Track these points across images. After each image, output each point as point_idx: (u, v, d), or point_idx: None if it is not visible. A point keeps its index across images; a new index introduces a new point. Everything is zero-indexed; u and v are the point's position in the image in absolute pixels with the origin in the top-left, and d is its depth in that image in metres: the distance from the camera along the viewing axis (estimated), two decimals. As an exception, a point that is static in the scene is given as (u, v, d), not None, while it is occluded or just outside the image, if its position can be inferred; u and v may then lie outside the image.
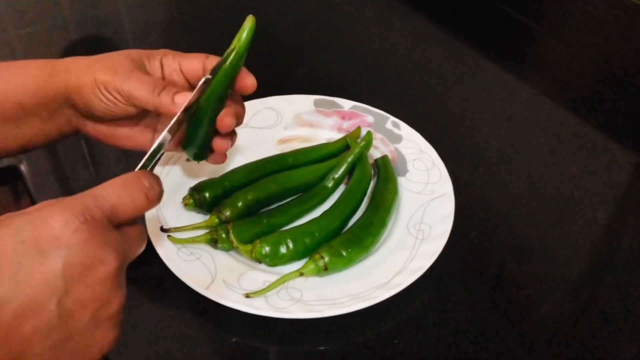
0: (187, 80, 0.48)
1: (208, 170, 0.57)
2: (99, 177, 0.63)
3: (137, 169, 0.36)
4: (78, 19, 0.86)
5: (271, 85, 0.74)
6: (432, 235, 0.52)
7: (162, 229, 0.51)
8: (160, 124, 0.50)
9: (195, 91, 0.44)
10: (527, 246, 0.55)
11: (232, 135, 0.49)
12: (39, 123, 0.46)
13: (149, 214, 0.52)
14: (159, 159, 0.41)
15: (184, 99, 0.43)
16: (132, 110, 0.45)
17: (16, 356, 0.28)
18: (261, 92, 0.66)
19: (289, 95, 0.66)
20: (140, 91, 0.43)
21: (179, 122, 0.42)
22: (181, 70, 0.47)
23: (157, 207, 0.52)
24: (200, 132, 0.47)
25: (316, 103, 0.66)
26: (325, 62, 0.80)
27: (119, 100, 0.44)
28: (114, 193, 0.32)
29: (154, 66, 0.47)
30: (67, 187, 0.62)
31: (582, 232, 0.57)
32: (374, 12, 0.91)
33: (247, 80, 0.47)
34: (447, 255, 0.51)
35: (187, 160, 0.49)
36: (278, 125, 0.64)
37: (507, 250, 0.55)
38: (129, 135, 0.49)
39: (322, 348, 0.47)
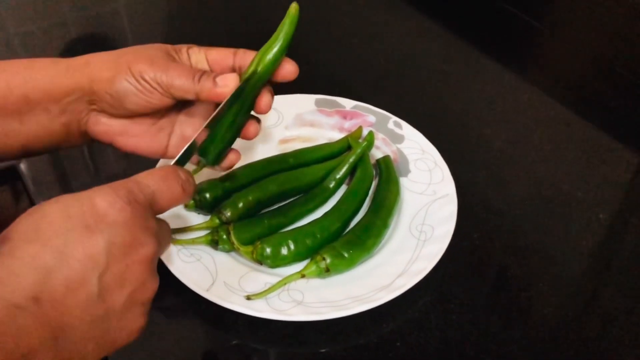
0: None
1: (208, 171, 0.57)
2: (99, 178, 0.62)
3: (172, 164, 0.38)
4: (77, 17, 0.86)
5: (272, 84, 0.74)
6: (434, 236, 0.52)
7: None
8: (178, 125, 0.48)
9: (223, 103, 0.44)
10: (530, 247, 0.55)
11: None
12: (45, 120, 0.44)
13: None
14: (190, 156, 0.43)
15: (225, 81, 0.43)
16: (168, 101, 0.44)
17: (57, 327, 0.28)
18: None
19: (290, 94, 0.66)
20: (180, 78, 0.43)
21: (213, 120, 0.43)
22: (207, 62, 0.47)
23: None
24: (224, 136, 0.46)
25: (317, 103, 0.65)
26: (327, 62, 0.80)
27: (157, 90, 0.43)
28: (154, 182, 0.34)
29: (182, 58, 0.46)
30: (66, 187, 0.61)
31: (585, 232, 0.57)
32: (375, 11, 0.91)
33: (288, 67, 0.48)
34: (449, 257, 0.50)
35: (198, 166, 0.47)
36: (279, 125, 0.64)
37: (509, 251, 0.54)
38: (142, 134, 0.47)
39: (323, 350, 0.46)
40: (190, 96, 0.44)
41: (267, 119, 0.64)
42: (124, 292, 0.31)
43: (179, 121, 0.49)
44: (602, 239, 0.57)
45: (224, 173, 0.55)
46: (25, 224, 0.29)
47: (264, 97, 0.47)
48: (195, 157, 0.46)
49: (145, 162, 0.51)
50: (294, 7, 0.45)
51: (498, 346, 0.47)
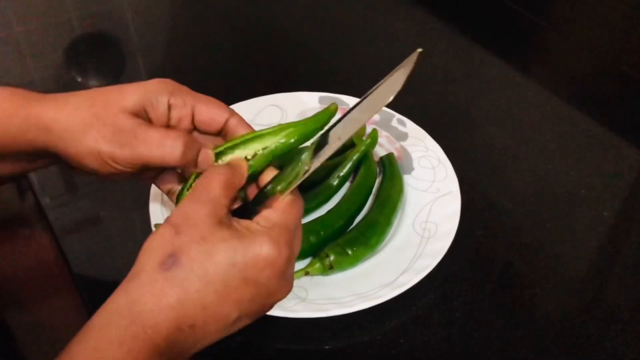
0: (198, 130, 0.42)
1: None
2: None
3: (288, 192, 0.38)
4: (82, 14, 0.86)
5: (276, 82, 0.74)
6: (438, 233, 0.52)
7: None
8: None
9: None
10: (533, 244, 0.55)
11: None
12: (21, 163, 0.42)
13: (153, 213, 0.51)
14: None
15: (204, 163, 0.40)
16: (141, 168, 0.40)
17: (193, 344, 0.34)
18: (266, 89, 0.66)
19: (294, 92, 0.66)
20: (155, 151, 0.38)
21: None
22: (193, 118, 0.41)
23: (161, 206, 0.52)
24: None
25: (321, 100, 0.65)
26: (330, 59, 0.80)
27: (130, 169, 0.39)
28: (296, 222, 0.37)
29: (159, 110, 0.40)
30: (70, 183, 0.62)
31: (589, 230, 0.57)
32: (379, 9, 0.90)
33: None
34: (453, 254, 0.50)
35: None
36: (283, 122, 0.64)
37: (513, 248, 0.54)
38: (125, 177, 0.43)
39: (327, 347, 0.47)
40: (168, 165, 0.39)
41: (271, 117, 0.64)
42: (251, 318, 0.36)
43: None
44: (606, 236, 0.56)
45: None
46: (195, 254, 0.33)
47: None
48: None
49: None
50: (334, 106, 0.40)
51: (502, 343, 0.47)
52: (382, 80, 0.36)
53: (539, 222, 0.57)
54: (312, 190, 0.56)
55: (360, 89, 0.71)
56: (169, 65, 0.77)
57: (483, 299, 0.50)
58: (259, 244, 0.34)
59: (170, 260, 0.33)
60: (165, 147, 0.38)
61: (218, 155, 0.41)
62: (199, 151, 0.40)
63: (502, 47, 0.82)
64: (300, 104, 0.65)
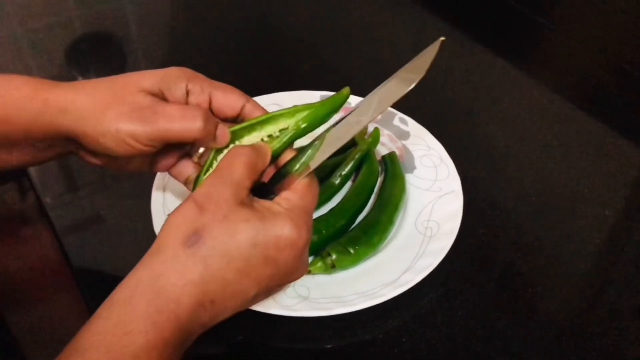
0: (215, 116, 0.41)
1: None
2: (105, 175, 0.62)
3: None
4: (83, 15, 0.86)
5: (277, 81, 0.74)
6: (440, 232, 0.52)
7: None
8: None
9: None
10: (536, 243, 0.55)
11: None
12: (33, 152, 0.42)
13: (155, 214, 0.51)
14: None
15: (222, 139, 0.40)
16: (160, 147, 0.40)
17: (212, 318, 0.35)
18: (267, 88, 0.66)
19: (295, 91, 0.65)
20: (176, 123, 0.38)
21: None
22: (210, 105, 0.41)
23: (163, 206, 0.52)
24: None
25: (322, 99, 0.65)
26: (332, 58, 0.80)
27: (150, 145, 0.38)
28: (313, 203, 0.39)
29: (176, 95, 0.40)
30: (72, 184, 0.62)
31: (591, 229, 0.56)
32: (380, 8, 0.90)
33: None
34: (455, 253, 0.50)
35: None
36: (284, 121, 0.64)
37: (515, 247, 0.54)
38: (133, 165, 0.44)
39: (329, 346, 0.46)
40: (188, 141, 0.39)
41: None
42: (269, 294, 0.39)
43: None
44: (608, 235, 0.56)
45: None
46: (218, 233, 0.34)
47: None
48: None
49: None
50: (346, 90, 0.41)
51: (504, 342, 0.47)
52: (405, 66, 0.38)
53: (541, 221, 0.57)
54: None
55: (361, 88, 0.70)
56: (170, 65, 0.76)
57: (485, 298, 0.50)
58: (281, 225, 0.35)
59: (194, 238, 0.34)
60: (186, 120, 0.38)
61: (233, 135, 0.41)
62: (217, 126, 0.40)
63: (504, 46, 0.82)
64: (301, 103, 0.65)
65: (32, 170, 0.60)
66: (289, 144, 0.41)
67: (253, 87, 0.67)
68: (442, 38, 0.35)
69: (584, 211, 0.58)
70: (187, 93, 0.41)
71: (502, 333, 0.47)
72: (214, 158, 0.42)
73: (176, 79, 0.40)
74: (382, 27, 0.86)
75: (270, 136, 0.42)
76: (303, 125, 0.41)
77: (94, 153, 0.41)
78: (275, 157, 0.41)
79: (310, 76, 0.76)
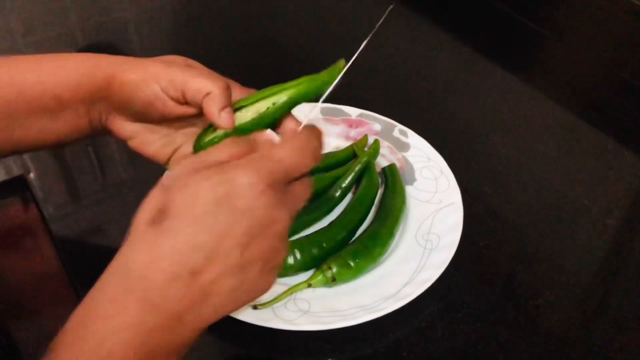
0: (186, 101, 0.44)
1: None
2: (106, 185, 0.63)
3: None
4: (85, 27, 0.87)
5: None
6: (440, 245, 0.52)
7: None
8: (188, 143, 0.48)
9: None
10: (537, 255, 0.55)
11: None
12: (74, 118, 0.46)
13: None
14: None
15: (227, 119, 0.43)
16: (191, 111, 0.44)
17: (202, 296, 0.33)
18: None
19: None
20: (207, 82, 0.42)
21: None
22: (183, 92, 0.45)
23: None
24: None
25: (323, 111, 0.66)
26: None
27: (179, 99, 0.43)
28: (291, 158, 0.36)
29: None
30: (74, 196, 0.62)
31: (592, 239, 0.56)
32: (380, 19, 0.91)
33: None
34: (456, 265, 0.50)
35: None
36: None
37: (516, 259, 0.54)
38: (152, 143, 0.48)
39: (330, 360, 0.46)
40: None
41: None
42: (260, 263, 0.35)
43: (189, 137, 0.48)
44: (609, 245, 0.56)
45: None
46: (180, 201, 0.33)
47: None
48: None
49: (152, 169, 0.51)
50: (342, 62, 0.44)
51: (506, 355, 0.47)
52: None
53: (542, 232, 0.57)
54: (313, 202, 0.56)
55: (362, 100, 0.71)
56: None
57: (487, 310, 0.50)
58: (240, 173, 0.34)
59: (160, 216, 0.33)
60: (211, 77, 0.43)
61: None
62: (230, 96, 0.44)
63: (504, 57, 0.82)
64: (302, 115, 0.65)
65: (34, 183, 0.60)
66: (286, 110, 0.45)
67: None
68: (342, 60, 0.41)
69: (585, 221, 0.58)
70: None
71: (504, 346, 0.47)
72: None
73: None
74: (383, 38, 0.86)
75: (268, 108, 0.45)
76: (293, 97, 0.46)
77: (126, 115, 0.46)
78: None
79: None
